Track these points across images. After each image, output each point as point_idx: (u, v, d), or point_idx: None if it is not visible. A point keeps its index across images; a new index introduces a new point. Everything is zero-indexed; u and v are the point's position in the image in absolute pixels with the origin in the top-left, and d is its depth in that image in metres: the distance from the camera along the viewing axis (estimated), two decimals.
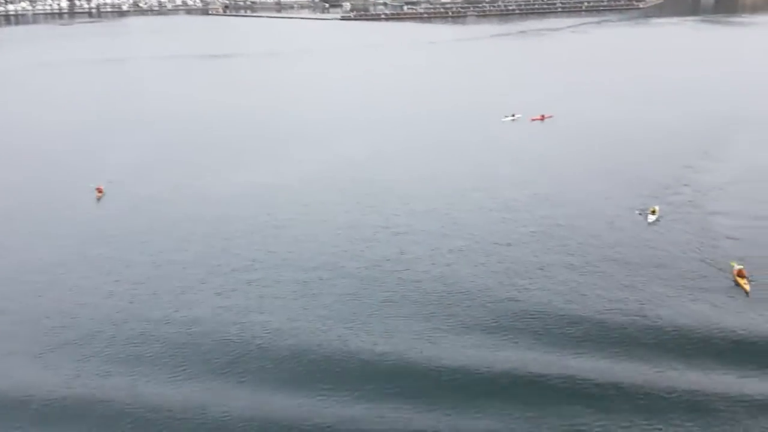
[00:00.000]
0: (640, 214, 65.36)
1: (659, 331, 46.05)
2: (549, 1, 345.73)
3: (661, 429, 37.23)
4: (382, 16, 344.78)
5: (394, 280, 56.01)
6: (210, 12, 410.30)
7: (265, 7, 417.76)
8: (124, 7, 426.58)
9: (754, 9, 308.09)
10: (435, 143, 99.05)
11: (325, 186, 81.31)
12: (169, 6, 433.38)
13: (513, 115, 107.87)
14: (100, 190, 77.71)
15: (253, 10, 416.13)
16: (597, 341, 45.45)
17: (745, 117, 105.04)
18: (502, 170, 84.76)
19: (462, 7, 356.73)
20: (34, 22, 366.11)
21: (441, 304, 51.87)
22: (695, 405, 38.82)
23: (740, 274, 49.38)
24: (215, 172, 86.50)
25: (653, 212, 64.27)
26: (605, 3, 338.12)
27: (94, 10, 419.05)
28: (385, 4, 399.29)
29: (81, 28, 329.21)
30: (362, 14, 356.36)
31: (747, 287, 48.63)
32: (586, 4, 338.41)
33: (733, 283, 50.57)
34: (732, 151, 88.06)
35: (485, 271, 56.89)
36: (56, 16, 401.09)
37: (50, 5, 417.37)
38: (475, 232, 65.24)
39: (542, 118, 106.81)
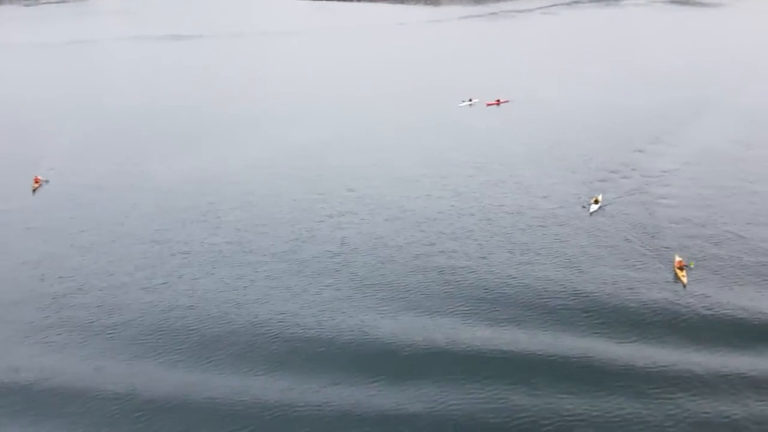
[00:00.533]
0: (584, 207, 63.73)
1: (592, 323, 45.30)
2: None
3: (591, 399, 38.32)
4: None
5: (330, 269, 54.91)
6: None
7: None
8: None
9: None
10: (390, 129, 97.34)
11: (273, 173, 79.37)
12: None
13: (470, 100, 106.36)
14: (36, 181, 75.17)
15: None
16: (528, 325, 45.61)
17: (705, 100, 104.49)
18: (454, 156, 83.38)
19: None
20: None
21: (376, 292, 50.90)
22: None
23: (681, 266, 48.43)
24: (161, 159, 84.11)
25: (596, 201, 62.85)
26: None
27: None
28: None
29: (46, 10, 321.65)
30: None
31: (684, 279, 47.82)
32: None
33: (672, 275, 49.82)
34: (686, 135, 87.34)
35: (425, 260, 55.72)
36: None
37: None
38: (421, 220, 64.03)
39: (498, 102, 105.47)
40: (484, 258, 55.66)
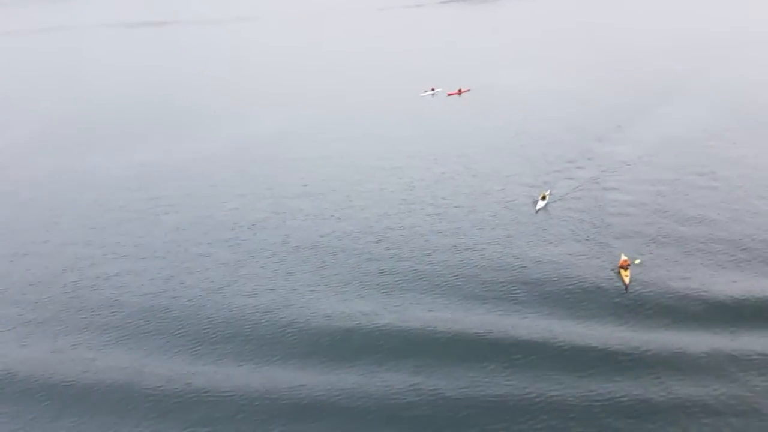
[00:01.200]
0: (534, 202, 60.70)
1: (526, 327, 43.06)
2: None
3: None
4: None
5: (269, 267, 52.68)
6: None
7: None
8: None
9: None
10: (349, 119, 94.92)
11: (222, 167, 76.76)
12: None
13: (432, 90, 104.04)
14: None
15: None
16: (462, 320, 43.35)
17: (674, 85, 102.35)
18: (410, 147, 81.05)
19: None
20: None
21: (311, 289, 48.45)
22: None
23: (625, 265, 45.73)
24: (108, 152, 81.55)
25: (543, 198, 60.01)
26: None
27: None
28: None
29: None
30: None
31: (627, 280, 44.98)
32: None
33: (614, 275, 47.08)
34: (650, 123, 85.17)
35: (367, 257, 53.28)
36: None
37: None
38: (369, 215, 61.65)
39: (459, 92, 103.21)
40: (428, 255, 53.37)
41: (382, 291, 47.81)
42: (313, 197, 66.70)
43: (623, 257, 46.68)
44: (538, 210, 58.39)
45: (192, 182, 71.85)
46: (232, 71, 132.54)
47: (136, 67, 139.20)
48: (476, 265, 50.71)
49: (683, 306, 43.04)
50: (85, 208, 65.17)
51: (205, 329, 44.66)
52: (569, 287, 46.05)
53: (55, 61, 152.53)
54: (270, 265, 53.00)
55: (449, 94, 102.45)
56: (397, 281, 49.02)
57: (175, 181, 72.29)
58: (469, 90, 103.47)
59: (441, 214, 61.22)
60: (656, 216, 57.36)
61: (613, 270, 46.88)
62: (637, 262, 46.75)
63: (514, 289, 46.70)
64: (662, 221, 56.06)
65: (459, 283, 48.13)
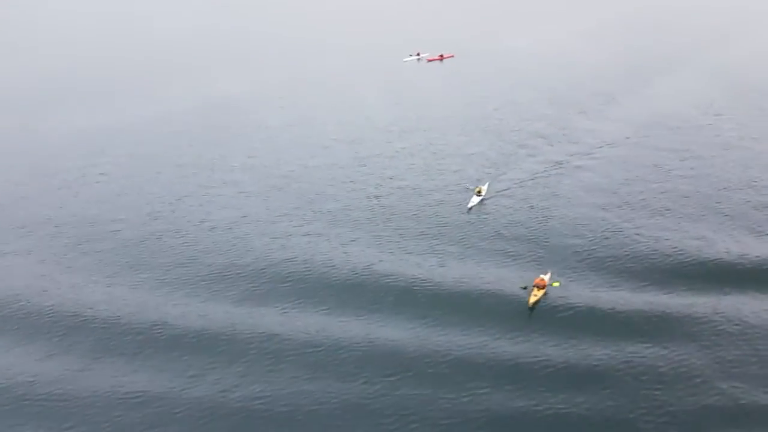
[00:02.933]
0: (469, 196, 53.25)
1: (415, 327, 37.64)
2: None
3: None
4: None
5: (178, 247, 48.47)
6: None
7: None
8: None
9: None
10: (321, 84, 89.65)
11: (181, 130, 72.64)
12: None
13: (418, 55, 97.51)
14: None
15: None
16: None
17: (671, 55, 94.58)
18: (377, 118, 75.63)
19: None
20: None
21: (221, 279, 43.85)
22: None
23: (539, 285, 39.10)
24: (50, 114, 77.57)
25: (479, 193, 52.55)
26: None
27: None
28: None
29: None
30: None
31: (533, 300, 38.14)
32: None
33: (524, 293, 39.25)
34: (634, 100, 77.42)
35: (279, 242, 48.12)
36: None
37: None
38: (308, 194, 56.49)
39: (441, 58, 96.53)
40: (343, 246, 47.42)
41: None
42: (255, 171, 62.19)
43: (541, 276, 39.83)
44: (471, 208, 51.11)
45: (131, 148, 67.78)
46: (207, 30, 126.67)
47: (100, 27, 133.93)
48: (375, 272, 43.61)
49: (589, 327, 36.88)
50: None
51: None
52: (472, 300, 39.51)
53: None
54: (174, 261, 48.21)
55: (429, 60, 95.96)
56: (299, 282, 43.04)
57: (116, 146, 68.20)
58: (452, 56, 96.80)
59: (382, 197, 54.98)
60: (597, 224, 48.36)
61: (525, 287, 39.38)
62: (555, 284, 39.52)
63: (407, 300, 40.09)
64: (599, 234, 46.76)
65: (349, 289, 41.91)
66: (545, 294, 39.04)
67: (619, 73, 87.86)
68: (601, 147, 62.97)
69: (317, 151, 66.74)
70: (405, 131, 71.42)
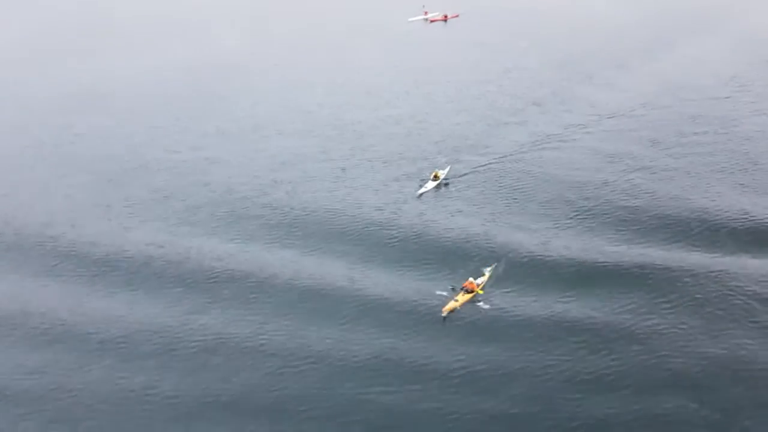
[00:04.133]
0: (421, 183, 47.48)
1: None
2: None
3: None
4: None
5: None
6: None
7: None
8: None
9: None
10: (321, 45, 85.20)
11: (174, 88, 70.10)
12: None
13: (426, 14, 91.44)
14: None
15: None
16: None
17: (699, 21, 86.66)
18: (368, 82, 71.21)
19: None
20: None
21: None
22: None
23: (468, 289, 34.91)
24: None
25: (435, 177, 47.31)
26: None
27: None
28: None
29: None
30: None
31: (446, 310, 33.69)
32: None
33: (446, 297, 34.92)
34: (635, 71, 69.42)
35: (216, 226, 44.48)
36: None
37: None
38: (267, 162, 53.49)
39: (445, 18, 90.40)
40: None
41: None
42: (228, 138, 59.19)
43: (471, 279, 35.45)
44: (421, 194, 46.07)
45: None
46: None
47: None
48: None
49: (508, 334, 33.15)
50: None
51: None
52: (385, 305, 35.37)
53: None
54: None
55: (432, 21, 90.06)
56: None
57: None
58: (457, 15, 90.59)
59: (337, 177, 50.31)
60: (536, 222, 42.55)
61: (452, 289, 34.97)
62: (480, 292, 35.03)
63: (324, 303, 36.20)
64: (544, 235, 40.86)
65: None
66: (473, 298, 34.57)
67: (642, 36, 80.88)
68: (595, 121, 57.33)
69: (298, 117, 63.01)
70: (395, 98, 67.01)
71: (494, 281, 36.21)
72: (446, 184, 47.35)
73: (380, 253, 39.79)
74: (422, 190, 46.45)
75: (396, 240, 41.24)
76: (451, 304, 33.97)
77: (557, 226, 41.67)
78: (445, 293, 34.80)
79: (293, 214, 45.09)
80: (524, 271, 37.16)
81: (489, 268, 36.51)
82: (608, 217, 42.60)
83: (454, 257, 38.73)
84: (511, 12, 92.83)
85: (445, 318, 33.58)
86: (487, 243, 39.93)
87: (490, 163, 50.32)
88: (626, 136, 53.71)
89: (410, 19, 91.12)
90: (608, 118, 57.83)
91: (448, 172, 48.51)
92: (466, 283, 35.03)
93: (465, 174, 48.96)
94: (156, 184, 50.64)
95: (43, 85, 74.84)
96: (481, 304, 34.19)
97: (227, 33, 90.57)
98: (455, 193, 46.78)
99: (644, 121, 56.78)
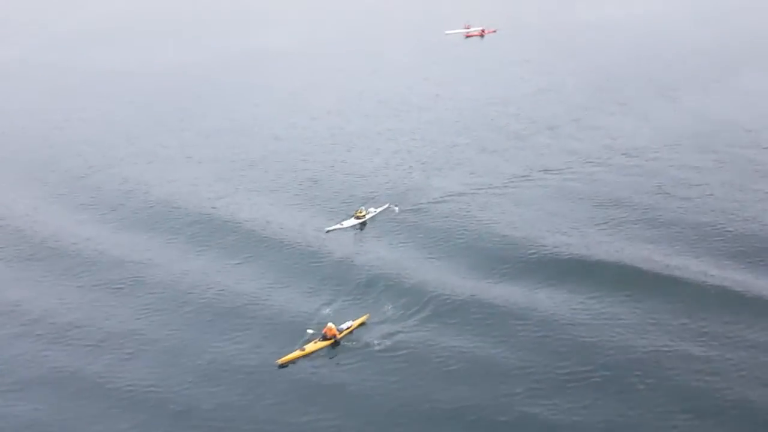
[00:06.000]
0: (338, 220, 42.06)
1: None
2: None
3: None
4: None
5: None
6: None
7: None
8: None
9: None
10: (350, 51, 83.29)
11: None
12: None
13: (467, 27, 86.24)
14: None
15: None
16: None
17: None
18: (382, 96, 67.26)
19: None
20: None
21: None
22: None
23: (328, 336, 30.56)
24: None
25: (359, 216, 41.41)
26: None
27: None
28: None
29: None
30: None
31: (292, 356, 29.46)
32: None
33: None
34: (680, 102, 61.74)
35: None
36: None
37: None
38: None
39: (482, 33, 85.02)
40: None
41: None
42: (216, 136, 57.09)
43: (331, 325, 30.95)
44: (330, 230, 40.74)
45: None
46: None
47: None
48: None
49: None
50: None
51: None
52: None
53: None
54: None
55: (467, 36, 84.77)
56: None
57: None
58: (495, 31, 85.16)
59: (297, 204, 45.44)
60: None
61: (311, 333, 30.67)
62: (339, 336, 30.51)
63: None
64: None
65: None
66: (332, 344, 30.20)
67: (699, 63, 72.72)
68: (603, 158, 50.02)
69: (301, 122, 60.77)
70: (406, 110, 63.06)
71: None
72: (362, 224, 41.40)
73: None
74: (335, 226, 40.97)
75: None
76: (294, 354, 29.57)
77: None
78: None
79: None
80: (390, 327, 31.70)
81: (360, 319, 31.84)
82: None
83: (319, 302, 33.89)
84: (558, 29, 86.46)
85: (279, 368, 29.15)
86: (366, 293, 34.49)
87: (440, 200, 44.35)
88: (620, 182, 45.93)
89: (447, 32, 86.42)
90: (622, 154, 50.57)
91: (383, 211, 42.68)
92: (326, 329, 30.64)
93: (408, 210, 43.23)
94: None
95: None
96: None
97: (269, 31, 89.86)
98: (366, 235, 40.89)
99: (660, 166, 48.46)
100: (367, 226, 41.52)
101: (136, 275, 36.89)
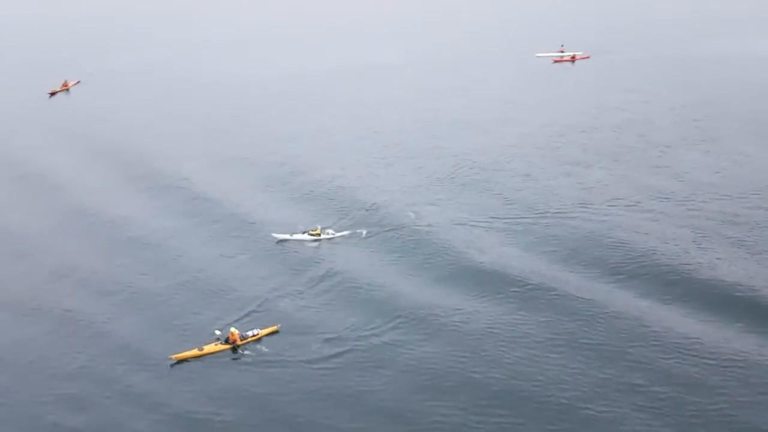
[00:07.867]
0: (301, 231, 41.15)
1: None
2: None
3: None
4: None
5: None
6: None
7: None
8: None
9: None
10: (434, 68, 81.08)
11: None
12: None
13: (562, 51, 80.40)
14: None
15: None
16: None
17: None
18: (437, 114, 64.33)
19: None
20: None
21: None
22: None
23: (231, 340, 30.86)
24: None
25: (314, 234, 40.37)
26: None
27: None
28: None
29: None
30: None
31: (182, 355, 30.06)
32: None
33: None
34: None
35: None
36: None
37: None
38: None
39: (573, 59, 78.83)
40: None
41: None
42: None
43: (233, 330, 31.19)
44: (282, 240, 40.60)
45: None
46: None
47: None
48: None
49: None
50: None
51: None
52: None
53: None
54: None
55: (555, 61, 78.94)
56: None
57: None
58: (587, 57, 78.84)
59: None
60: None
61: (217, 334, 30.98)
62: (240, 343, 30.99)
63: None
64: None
65: None
66: (231, 349, 30.60)
67: None
68: (662, 199, 44.18)
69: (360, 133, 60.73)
70: (465, 130, 59.52)
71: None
72: (315, 241, 40.44)
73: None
74: (287, 237, 40.64)
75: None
76: (190, 352, 30.12)
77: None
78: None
79: None
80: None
81: (268, 329, 31.96)
82: None
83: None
84: (663, 61, 77.80)
85: (172, 365, 30.02)
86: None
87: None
88: (662, 229, 40.42)
89: (538, 54, 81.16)
90: (683, 198, 44.33)
91: (344, 234, 41.29)
92: (229, 333, 30.96)
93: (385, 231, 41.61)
94: None
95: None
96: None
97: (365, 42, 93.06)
98: (320, 248, 40.21)
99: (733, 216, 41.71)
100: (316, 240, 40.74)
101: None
